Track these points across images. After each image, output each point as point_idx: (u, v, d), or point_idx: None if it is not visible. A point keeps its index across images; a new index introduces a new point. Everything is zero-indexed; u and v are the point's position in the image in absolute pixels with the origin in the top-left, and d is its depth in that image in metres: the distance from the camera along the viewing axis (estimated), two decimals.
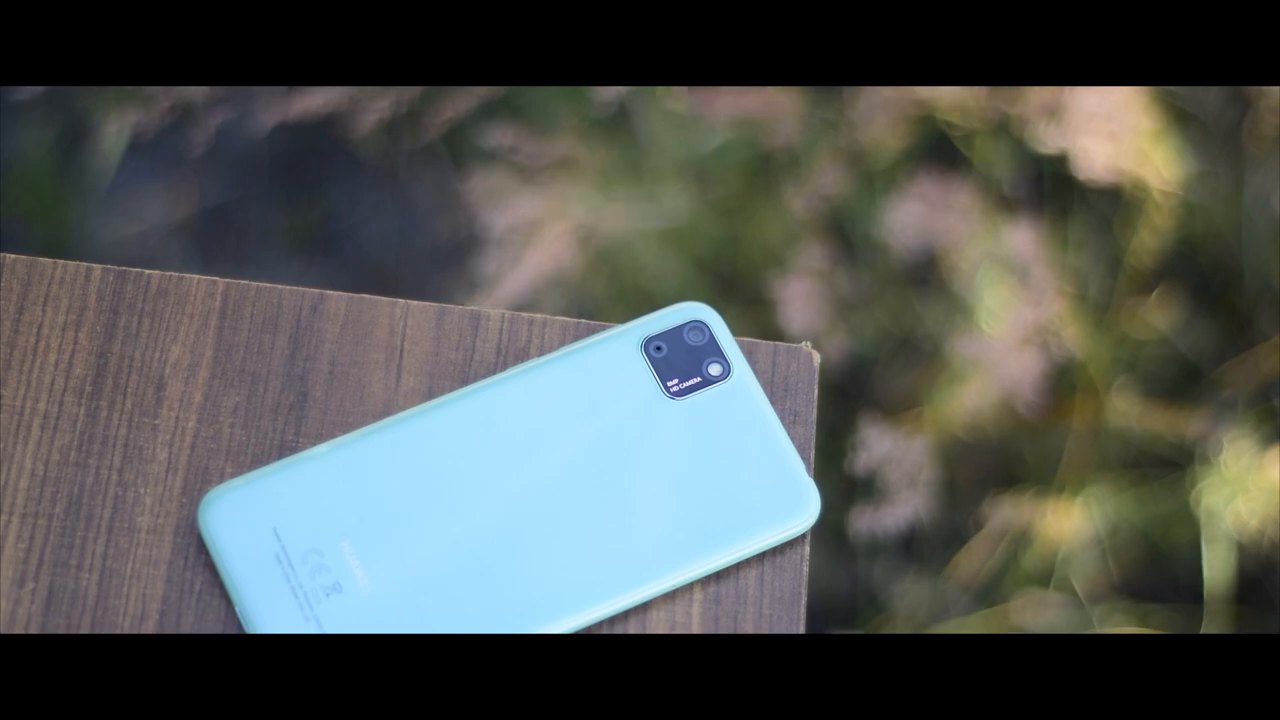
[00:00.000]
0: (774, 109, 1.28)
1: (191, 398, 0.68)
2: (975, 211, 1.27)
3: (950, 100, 1.28)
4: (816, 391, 0.70)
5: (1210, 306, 1.31)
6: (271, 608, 0.64)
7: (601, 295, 1.29)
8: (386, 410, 0.68)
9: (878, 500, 1.24)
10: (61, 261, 0.69)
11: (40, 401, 0.67)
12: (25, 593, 0.65)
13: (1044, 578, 1.26)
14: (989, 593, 1.27)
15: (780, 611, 0.67)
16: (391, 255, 1.37)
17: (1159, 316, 1.29)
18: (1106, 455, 1.28)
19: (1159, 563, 1.28)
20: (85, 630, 0.65)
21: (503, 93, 1.33)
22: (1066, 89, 1.26)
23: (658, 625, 0.66)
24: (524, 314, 0.70)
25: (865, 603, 1.28)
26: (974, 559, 1.27)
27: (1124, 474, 1.28)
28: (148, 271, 0.70)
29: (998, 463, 1.29)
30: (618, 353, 0.69)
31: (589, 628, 0.65)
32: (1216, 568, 1.25)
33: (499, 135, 1.30)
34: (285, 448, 0.68)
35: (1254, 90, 1.31)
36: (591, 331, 0.70)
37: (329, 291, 0.70)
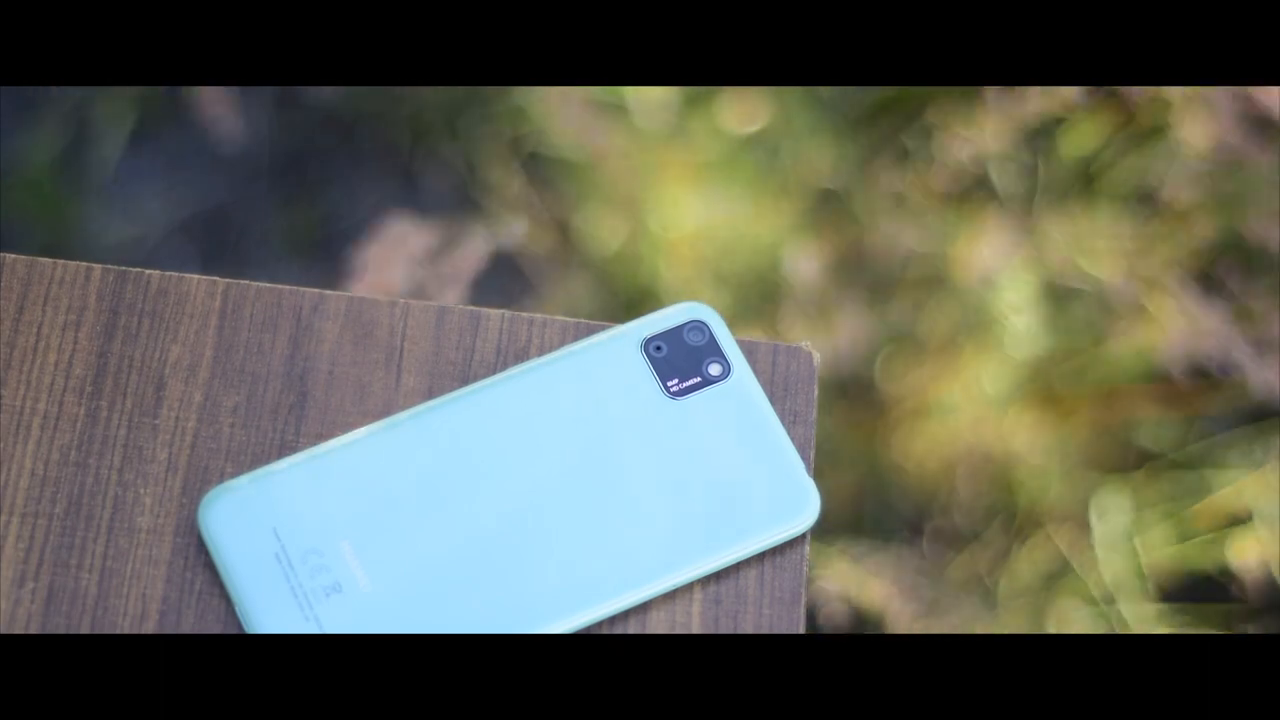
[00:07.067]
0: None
1: (191, 398, 0.68)
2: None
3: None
4: (816, 391, 0.70)
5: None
6: (271, 608, 0.64)
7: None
8: (386, 410, 0.68)
9: None
10: (61, 261, 0.69)
11: (40, 401, 0.67)
12: (25, 593, 0.65)
13: (1060, 580, 1.26)
14: (991, 594, 1.27)
15: (780, 611, 0.66)
16: None
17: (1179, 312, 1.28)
18: (1117, 456, 1.28)
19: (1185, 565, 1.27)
20: (85, 630, 0.65)
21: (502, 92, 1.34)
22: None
23: (658, 625, 0.66)
24: (524, 314, 0.70)
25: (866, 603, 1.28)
26: (979, 560, 1.27)
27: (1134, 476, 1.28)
28: (148, 271, 0.70)
29: (1003, 463, 1.29)
30: (618, 353, 0.69)
31: (589, 628, 0.65)
32: None
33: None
34: (285, 448, 0.68)
35: None
36: (591, 331, 0.70)
37: (329, 291, 0.70)
